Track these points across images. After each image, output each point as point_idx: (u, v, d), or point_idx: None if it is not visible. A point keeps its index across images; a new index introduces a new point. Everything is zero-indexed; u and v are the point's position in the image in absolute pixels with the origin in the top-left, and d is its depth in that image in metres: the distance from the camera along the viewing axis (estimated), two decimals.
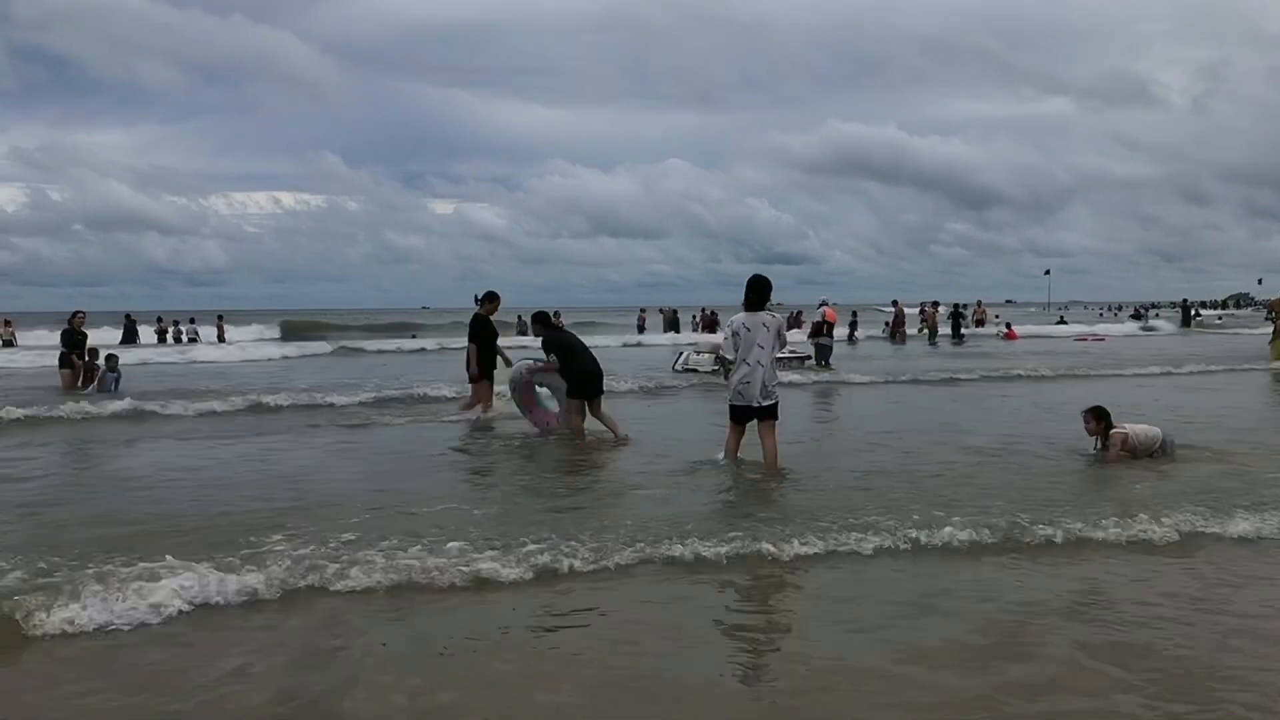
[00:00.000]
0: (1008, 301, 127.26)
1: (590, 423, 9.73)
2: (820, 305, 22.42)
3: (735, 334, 7.65)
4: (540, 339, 10.22)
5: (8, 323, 31.96)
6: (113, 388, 15.10)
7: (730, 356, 7.73)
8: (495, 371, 11.39)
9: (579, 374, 9.70)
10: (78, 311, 16.69)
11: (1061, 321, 54.36)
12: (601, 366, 9.99)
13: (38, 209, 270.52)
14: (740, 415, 7.71)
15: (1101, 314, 77.32)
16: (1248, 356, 21.10)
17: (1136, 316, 59.68)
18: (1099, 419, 8.10)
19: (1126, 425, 8.10)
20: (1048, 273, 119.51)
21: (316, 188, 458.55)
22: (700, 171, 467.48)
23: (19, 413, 11.51)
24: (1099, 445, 8.10)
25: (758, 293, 7.70)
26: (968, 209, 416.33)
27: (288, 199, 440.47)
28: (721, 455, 7.87)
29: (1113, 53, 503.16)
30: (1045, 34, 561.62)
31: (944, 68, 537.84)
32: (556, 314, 20.28)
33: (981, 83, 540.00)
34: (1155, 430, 8.15)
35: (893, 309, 36.64)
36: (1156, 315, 59.62)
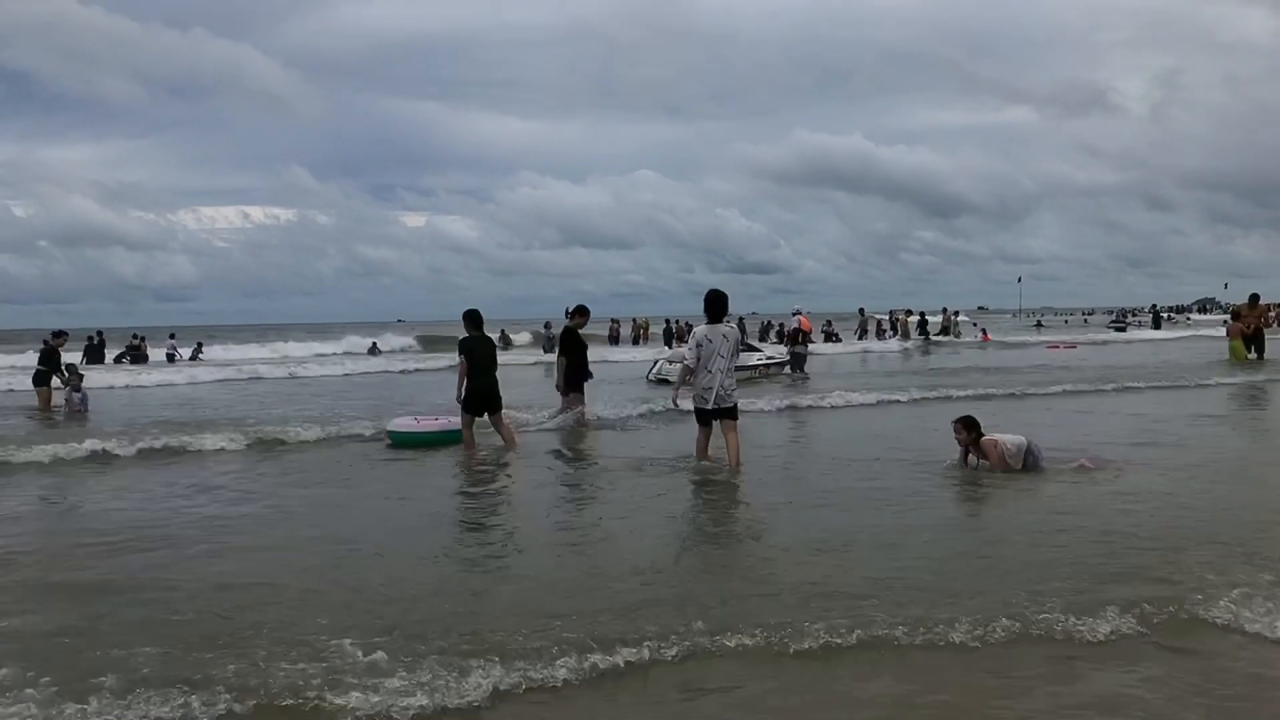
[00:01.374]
0: (980, 308, 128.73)
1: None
2: (794, 314, 22.49)
3: (699, 344, 8.47)
4: (463, 339, 10.21)
5: None
6: (82, 409, 14.82)
7: (693, 365, 8.47)
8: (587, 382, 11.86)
9: (471, 388, 10.05)
10: (59, 332, 16.43)
11: (1039, 325, 55.27)
12: (493, 386, 10.08)
13: (2, 225, 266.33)
14: (705, 417, 8.56)
15: (1067, 320, 78.10)
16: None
17: (1118, 322, 58.46)
18: (969, 429, 7.90)
19: (996, 435, 7.94)
20: (1020, 280, 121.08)
21: (286, 201, 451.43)
22: (671, 182, 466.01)
23: None
24: (966, 456, 7.95)
25: (718, 306, 8.49)
26: (936, 217, 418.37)
27: (257, 213, 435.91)
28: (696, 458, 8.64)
29: (1072, 62, 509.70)
30: (1006, 43, 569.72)
31: (908, 78, 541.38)
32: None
33: (945, 92, 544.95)
34: (1020, 439, 7.88)
35: (860, 316, 37.10)
36: (1137, 322, 57.34)
